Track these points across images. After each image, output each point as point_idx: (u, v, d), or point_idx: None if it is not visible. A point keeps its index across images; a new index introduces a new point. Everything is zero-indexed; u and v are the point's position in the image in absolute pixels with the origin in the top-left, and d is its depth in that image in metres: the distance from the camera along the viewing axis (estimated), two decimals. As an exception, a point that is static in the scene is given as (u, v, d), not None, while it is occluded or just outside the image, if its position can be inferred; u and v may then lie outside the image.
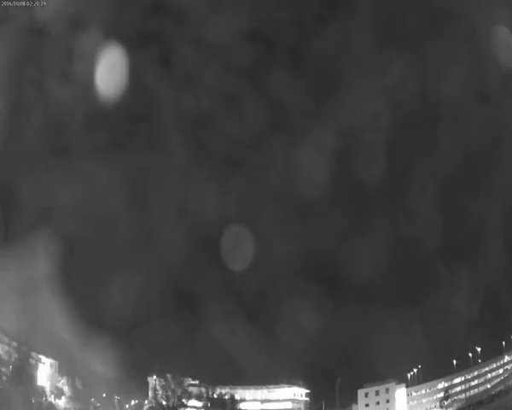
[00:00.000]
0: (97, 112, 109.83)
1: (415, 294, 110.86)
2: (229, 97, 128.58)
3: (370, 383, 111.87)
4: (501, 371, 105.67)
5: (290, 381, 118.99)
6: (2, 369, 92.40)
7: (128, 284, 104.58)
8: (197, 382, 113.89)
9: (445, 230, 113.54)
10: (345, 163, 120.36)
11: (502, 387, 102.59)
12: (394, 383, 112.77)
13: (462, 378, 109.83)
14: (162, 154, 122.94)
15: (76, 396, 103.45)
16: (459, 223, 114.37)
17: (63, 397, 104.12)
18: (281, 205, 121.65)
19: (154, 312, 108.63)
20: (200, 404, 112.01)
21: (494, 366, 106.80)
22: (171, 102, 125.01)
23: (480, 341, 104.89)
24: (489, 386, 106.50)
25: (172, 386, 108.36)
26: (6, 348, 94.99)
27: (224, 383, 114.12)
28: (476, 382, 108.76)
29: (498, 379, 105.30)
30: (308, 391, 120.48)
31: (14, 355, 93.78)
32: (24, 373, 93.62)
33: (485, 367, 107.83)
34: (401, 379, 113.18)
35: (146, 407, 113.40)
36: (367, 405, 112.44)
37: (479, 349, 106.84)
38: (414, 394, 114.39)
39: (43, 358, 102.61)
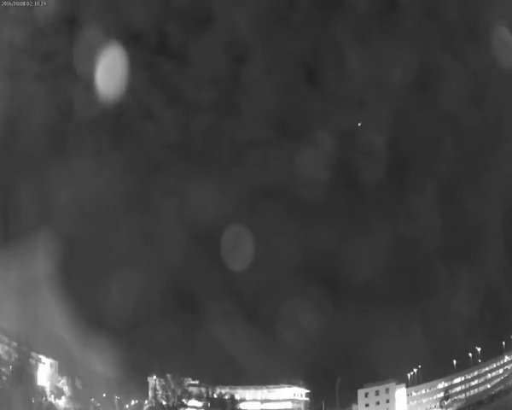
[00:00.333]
0: (97, 112, 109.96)
1: (415, 294, 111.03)
2: (230, 98, 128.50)
3: (370, 383, 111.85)
4: (501, 371, 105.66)
5: (290, 381, 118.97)
6: (2, 369, 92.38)
7: (128, 283, 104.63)
8: (197, 382, 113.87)
9: (445, 230, 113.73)
10: (344, 163, 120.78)
11: (502, 387, 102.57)
12: (394, 383, 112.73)
13: (462, 378, 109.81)
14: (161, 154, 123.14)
15: (76, 396, 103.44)
16: (459, 223, 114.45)
17: (63, 397, 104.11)
18: (281, 205, 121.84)
19: (154, 312, 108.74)
20: (200, 404, 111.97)
21: (494, 366, 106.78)
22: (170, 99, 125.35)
23: (480, 341, 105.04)
24: (489, 386, 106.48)
25: (172, 386, 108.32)
26: (6, 348, 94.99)
27: (224, 383, 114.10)
28: (476, 382, 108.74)
29: (498, 379, 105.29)
30: (308, 391, 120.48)
31: (14, 355, 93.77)
32: (24, 373, 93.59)
33: (485, 367, 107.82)
34: (401, 379, 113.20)
35: (146, 407, 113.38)
36: (367, 405, 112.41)
37: (479, 349, 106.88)
38: (414, 394, 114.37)
39: (43, 358, 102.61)
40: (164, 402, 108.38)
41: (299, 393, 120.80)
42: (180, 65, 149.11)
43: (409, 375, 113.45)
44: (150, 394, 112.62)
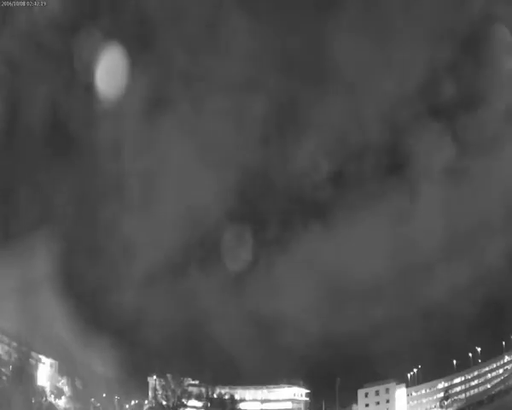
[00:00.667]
0: (97, 111, 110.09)
1: (415, 293, 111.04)
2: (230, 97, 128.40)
3: (370, 383, 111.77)
4: (501, 371, 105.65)
5: (290, 381, 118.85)
6: (2, 369, 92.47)
7: (128, 283, 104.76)
8: (197, 382, 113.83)
9: (445, 230, 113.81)
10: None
11: (502, 387, 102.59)
12: (394, 383, 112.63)
13: (462, 378, 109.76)
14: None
15: (76, 396, 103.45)
16: (459, 223, 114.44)
17: (63, 397, 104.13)
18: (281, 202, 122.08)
19: (154, 312, 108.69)
20: (200, 404, 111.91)
21: (494, 366, 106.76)
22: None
23: (480, 341, 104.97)
24: (489, 386, 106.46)
25: (172, 386, 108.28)
26: (6, 348, 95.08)
27: (224, 383, 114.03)
28: (476, 382, 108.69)
29: (498, 379, 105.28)
30: (308, 391, 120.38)
31: (14, 355, 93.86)
32: (24, 373, 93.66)
33: (485, 367, 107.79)
34: (401, 379, 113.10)
35: (146, 407, 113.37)
36: (367, 405, 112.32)
37: (479, 349, 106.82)
38: (414, 394, 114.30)
39: (43, 358, 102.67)
40: (164, 402, 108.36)
41: (299, 393, 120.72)
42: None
43: (409, 375, 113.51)
44: (150, 394, 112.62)
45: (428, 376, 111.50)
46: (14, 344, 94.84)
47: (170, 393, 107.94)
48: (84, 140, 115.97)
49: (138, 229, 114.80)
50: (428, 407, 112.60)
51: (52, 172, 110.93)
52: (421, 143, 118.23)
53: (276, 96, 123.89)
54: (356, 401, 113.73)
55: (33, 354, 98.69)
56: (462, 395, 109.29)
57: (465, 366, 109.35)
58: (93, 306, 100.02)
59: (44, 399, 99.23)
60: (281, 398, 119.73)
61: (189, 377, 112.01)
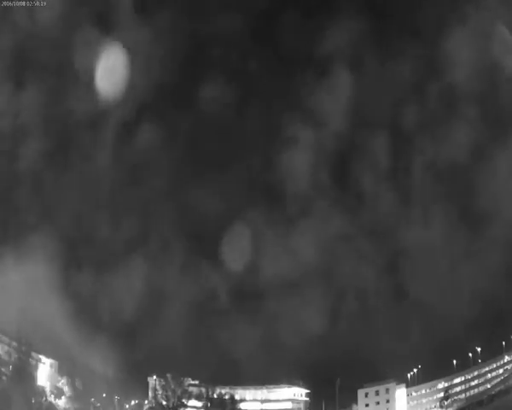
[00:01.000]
0: (97, 111, 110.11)
1: (415, 293, 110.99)
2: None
3: (370, 383, 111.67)
4: (501, 371, 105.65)
5: (290, 381, 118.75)
6: (2, 369, 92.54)
7: (128, 283, 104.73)
8: (197, 382, 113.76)
9: (445, 230, 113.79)
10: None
11: (502, 387, 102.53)
12: (394, 383, 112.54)
13: (462, 378, 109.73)
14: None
15: (76, 396, 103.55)
16: (458, 223, 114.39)
17: (63, 397, 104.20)
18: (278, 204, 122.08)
19: (154, 312, 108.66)
20: (200, 404, 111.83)
21: (494, 366, 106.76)
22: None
23: (480, 341, 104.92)
24: (489, 386, 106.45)
25: (172, 386, 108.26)
26: (6, 348, 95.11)
27: (224, 383, 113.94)
28: (476, 382, 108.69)
29: (498, 379, 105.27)
30: (308, 391, 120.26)
31: (14, 355, 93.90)
32: (24, 373, 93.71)
33: (485, 367, 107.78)
34: (401, 379, 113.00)
35: (146, 407, 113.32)
36: (367, 405, 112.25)
37: (479, 349, 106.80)
38: (414, 394, 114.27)
39: (43, 358, 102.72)
40: (164, 402, 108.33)
41: (299, 393, 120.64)
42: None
43: (409, 375, 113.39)
44: (150, 394, 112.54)
45: (428, 376, 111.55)
46: (14, 344, 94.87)
47: (170, 393, 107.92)
48: (85, 140, 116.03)
49: (139, 229, 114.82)
50: (428, 407, 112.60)
51: (52, 172, 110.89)
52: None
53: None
54: (356, 401, 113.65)
55: (33, 354, 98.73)
56: (462, 395, 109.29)
57: (465, 366, 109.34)
58: (93, 306, 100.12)
59: (44, 399, 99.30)
60: (281, 398, 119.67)
61: (189, 377, 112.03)
